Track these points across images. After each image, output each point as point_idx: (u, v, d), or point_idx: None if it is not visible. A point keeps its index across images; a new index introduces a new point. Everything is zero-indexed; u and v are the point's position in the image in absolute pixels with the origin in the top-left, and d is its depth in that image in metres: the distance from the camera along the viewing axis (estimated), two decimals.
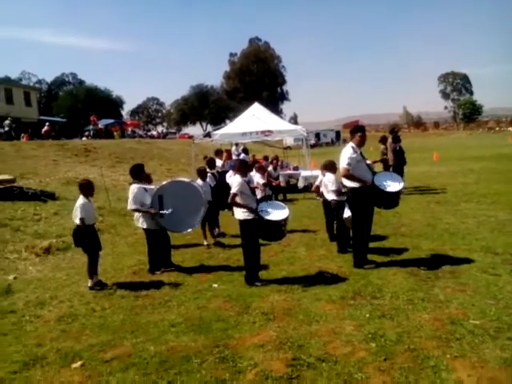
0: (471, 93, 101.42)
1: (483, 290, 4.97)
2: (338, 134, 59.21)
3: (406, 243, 7.18)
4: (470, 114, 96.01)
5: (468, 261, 6.02)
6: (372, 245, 6.76)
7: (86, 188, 6.16)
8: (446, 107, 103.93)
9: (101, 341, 4.40)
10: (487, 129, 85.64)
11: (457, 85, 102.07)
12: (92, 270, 6.09)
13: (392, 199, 6.22)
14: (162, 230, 6.73)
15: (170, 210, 6.43)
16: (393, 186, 6.12)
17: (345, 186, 6.44)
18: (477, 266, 5.80)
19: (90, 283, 6.04)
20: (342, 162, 6.04)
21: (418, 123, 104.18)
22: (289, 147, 29.96)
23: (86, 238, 5.94)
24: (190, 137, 26.20)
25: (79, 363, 3.96)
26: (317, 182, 8.10)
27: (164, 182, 6.93)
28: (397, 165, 12.46)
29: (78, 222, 5.93)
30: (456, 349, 3.73)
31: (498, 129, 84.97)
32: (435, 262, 6.09)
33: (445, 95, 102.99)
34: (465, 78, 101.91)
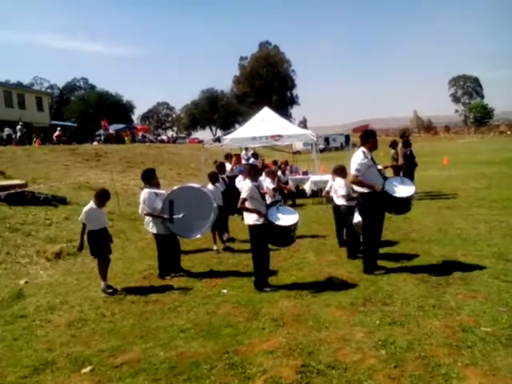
0: (482, 96, 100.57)
1: (495, 296, 4.91)
2: (347, 138, 58.94)
3: (416, 249, 7.12)
4: (481, 118, 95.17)
5: (479, 267, 5.94)
6: (382, 250, 6.71)
7: (100, 198, 6.21)
8: (456, 111, 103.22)
9: (110, 346, 4.42)
10: (498, 133, 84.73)
11: (467, 88, 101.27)
12: (103, 272, 6.15)
13: (403, 204, 6.17)
14: (172, 236, 6.75)
15: (181, 215, 6.46)
16: (404, 190, 6.06)
17: (355, 191, 6.41)
18: (488, 272, 5.72)
19: (102, 285, 6.11)
20: (352, 168, 6.01)
21: (428, 127, 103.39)
22: (298, 152, 29.92)
23: (90, 242, 6.04)
24: (200, 141, 26.29)
25: (89, 368, 3.98)
26: (327, 187, 8.09)
27: (175, 188, 6.97)
28: (407, 170, 12.38)
29: (80, 225, 6.09)
30: (467, 356, 3.68)
31: (509, 133, 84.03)
32: (446, 268, 6.02)
33: (455, 99, 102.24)
34: (476, 82, 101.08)
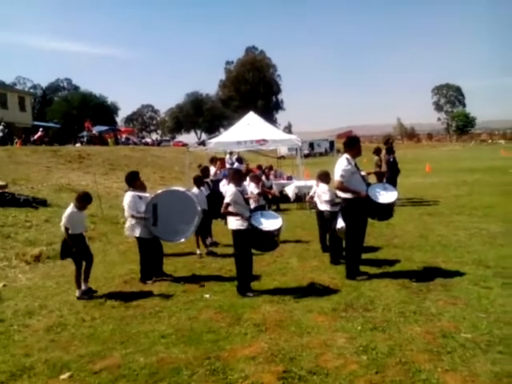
0: (464, 105, 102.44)
1: (475, 303, 4.98)
2: (331, 143, 59.34)
3: (398, 255, 7.18)
4: (463, 126, 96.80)
5: (460, 273, 6.03)
6: (365, 256, 6.77)
7: (81, 200, 6.12)
8: (439, 119, 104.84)
9: (90, 351, 4.35)
10: (480, 141, 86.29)
11: (450, 97, 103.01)
12: (79, 280, 6.05)
13: (386, 210, 6.24)
14: (155, 239, 6.69)
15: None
16: (387, 197, 6.14)
17: (338, 197, 6.45)
18: (468, 278, 5.81)
19: (77, 293, 6.00)
20: (336, 174, 6.06)
21: (411, 135, 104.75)
22: (283, 157, 29.98)
23: (73, 247, 5.93)
24: (185, 145, 26.24)
25: (67, 374, 3.90)
26: (311, 193, 8.13)
27: (159, 191, 6.91)
28: (390, 176, 12.51)
29: (62, 229, 5.94)
30: (447, 362, 3.72)
31: (490, 141, 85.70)
32: (427, 274, 6.09)
33: (438, 107, 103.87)
34: (458, 91, 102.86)
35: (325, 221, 7.30)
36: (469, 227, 9.02)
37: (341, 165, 6.06)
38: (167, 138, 69.09)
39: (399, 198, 12.99)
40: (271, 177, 14.40)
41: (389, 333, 4.34)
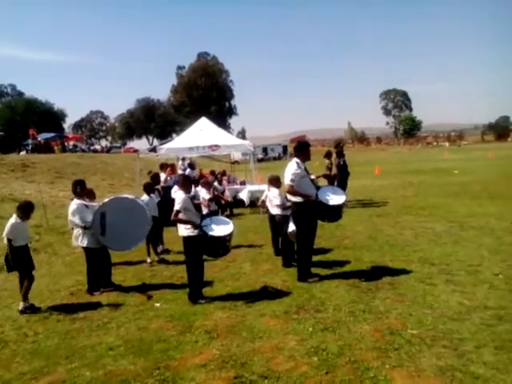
0: (411, 109, 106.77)
1: (420, 299, 5.14)
2: (285, 148, 60.09)
3: (348, 256, 7.33)
4: (410, 130, 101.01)
5: (406, 272, 6.22)
6: (316, 258, 6.87)
7: (24, 210, 5.84)
8: (387, 123, 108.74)
9: (33, 368, 4.15)
10: (426, 144, 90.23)
11: (397, 102, 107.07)
12: (27, 293, 5.76)
13: (335, 212, 6.36)
14: (103, 249, 6.49)
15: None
16: (335, 199, 6.27)
17: (289, 201, 6.51)
18: (415, 276, 6.00)
19: (21, 306, 5.70)
20: (287, 178, 6.12)
21: (361, 138, 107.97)
22: (236, 162, 30.07)
23: (15, 259, 5.65)
24: (136, 151, 25.63)
25: None
26: (263, 197, 8.16)
27: (107, 199, 6.70)
28: (341, 179, 12.79)
29: (5, 241, 5.65)
30: (394, 359, 3.81)
31: (435, 144, 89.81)
32: (376, 273, 6.25)
33: (386, 111, 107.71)
34: (405, 96, 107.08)
35: (277, 224, 7.35)
36: (415, 227, 9.36)
37: (291, 169, 6.13)
38: (118, 145, 67.61)
39: (350, 200, 13.40)
40: (224, 182, 14.35)
41: (339, 333, 4.40)
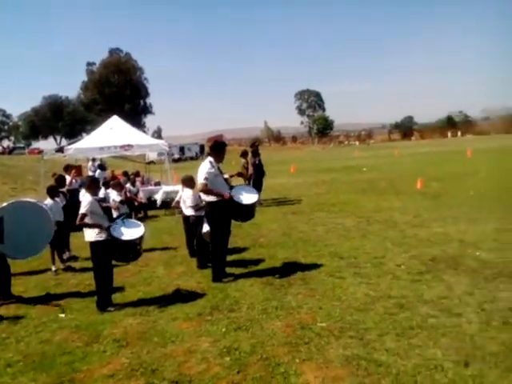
0: (324, 109, 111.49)
1: (330, 293, 5.33)
2: (202, 147, 59.83)
3: (263, 254, 7.42)
4: (323, 129, 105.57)
5: (318, 266, 6.43)
6: (231, 257, 6.89)
7: None
8: (302, 122, 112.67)
9: None
10: (338, 143, 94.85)
11: (311, 102, 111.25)
12: None
13: (248, 211, 6.42)
14: (1, 257, 5.96)
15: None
16: (248, 198, 6.33)
17: (203, 201, 6.44)
18: (325, 270, 6.22)
19: None
20: (200, 177, 6.06)
21: (277, 137, 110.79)
22: (152, 162, 29.29)
23: None
24: (41, 152, 24.01)
25: None
26: (177, 198, 8.00)
27: (5, 204, 6.15)
28: (256, 178, 12.98)
29: None
30: (304, 352, 3.91)
31: (346, 143, 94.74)
32: (289, 269, 6.39)
33: (301, 111, 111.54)
34: (318, 96, 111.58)
35: (191, 226, 7.24)
36: (327, 223, 9.74)
37: (204, 168, 6.08)
38: (21, 145, 62.98)
39: (265, 199, 13.64)
40: (138, 183, 13.90)
41: (252, 331, 4.43)
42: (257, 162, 13.25)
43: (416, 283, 5.46)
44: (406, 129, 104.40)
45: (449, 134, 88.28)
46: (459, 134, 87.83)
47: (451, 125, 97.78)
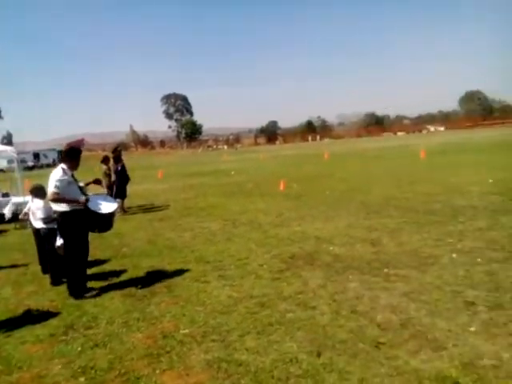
0: (191, 113, 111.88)
1: (194, 298, 5.31)
2: (60, 153, 55.54)
3: (126, 264, 7.12)
4: (192, 134, 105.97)
5: (183, 272, 6.38)
6: (91, 271, 6.50)
7: None
8: (169, 126, 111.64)
9: None
10: (207, 147, 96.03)
11: (179, 106, 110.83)
12: None
13: (106, 221, 6.13)
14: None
15: None
16: (107, 207, 6.03)
17: (55, 212, 5.95)
18: (190, 276, 6.20)
19: None
20: (50, 186, 5.61)
21: (144, 142, 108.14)
22: (1, 170, 26.33)
23: None
24: None
25: None
26: (25, 209, 7.27)
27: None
28: (119, 185, 12.47)
29: None
30: (165, 362, 3.83)
31: (215, 147, 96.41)
32: (153, 278, 6.22)
33: (168, 115, 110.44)
34: (185, 100, 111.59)
35: (43, 239, 6.62)
36: (194, 227, 9.74)
37: (56, 175, 5.67)
38: None
39: (130, 207, 13.18)
40: None
41: (110, 346, 4.21)
42: (119, 168, 12.73)
43: (276, 281, 5.70)
44: (270, 133, 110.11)
45: (309, 138, 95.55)
46: (318, 137, 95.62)
47: (311, 129, 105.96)
